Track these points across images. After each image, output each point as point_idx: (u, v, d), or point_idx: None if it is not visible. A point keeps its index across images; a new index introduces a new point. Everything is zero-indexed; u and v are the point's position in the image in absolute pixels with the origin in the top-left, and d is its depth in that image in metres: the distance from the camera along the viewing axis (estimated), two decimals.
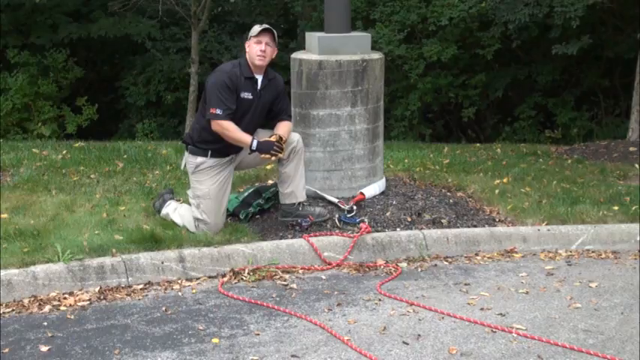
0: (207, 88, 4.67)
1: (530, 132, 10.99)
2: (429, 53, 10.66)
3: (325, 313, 3.96)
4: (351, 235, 4.76)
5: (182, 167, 4.96)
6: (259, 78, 4.72)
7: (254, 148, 4.61)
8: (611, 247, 5.05)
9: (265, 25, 4.74)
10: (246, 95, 4.67)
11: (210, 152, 4.73)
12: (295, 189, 4.86)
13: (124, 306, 3.99)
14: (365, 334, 3.72)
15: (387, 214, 5.16)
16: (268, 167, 6.06)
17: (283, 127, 4.75)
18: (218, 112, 4.57)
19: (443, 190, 5.79)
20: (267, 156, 4.66)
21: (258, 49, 4.66)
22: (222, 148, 4.74)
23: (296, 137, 4.83)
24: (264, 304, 4.05)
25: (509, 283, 4.42)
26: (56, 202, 5.20)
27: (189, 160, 4.79)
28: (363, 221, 4.90)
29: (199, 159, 4.73)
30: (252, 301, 4.09)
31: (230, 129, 4.59)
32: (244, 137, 4.62)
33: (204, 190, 4.74)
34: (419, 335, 3.70)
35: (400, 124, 11.22)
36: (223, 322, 3.84)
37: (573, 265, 4.78)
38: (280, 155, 4.69)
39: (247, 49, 4.72)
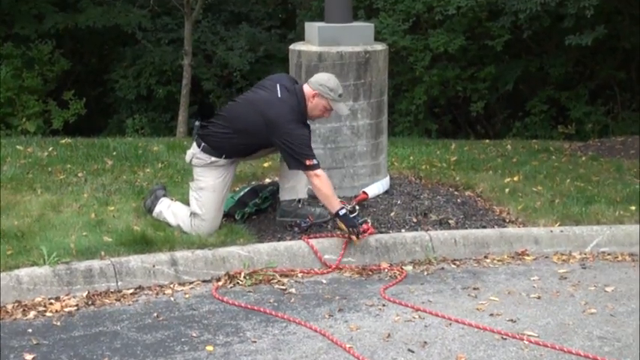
0: (289, 140, 4.56)
1: (542, 127, 10.97)
2: (436, 44, 10.65)
3: (326, 319, 3.96)
4: (345, 236, 4.73)
5: (188, 160, 4.95)
6: None
7: (340, 215, 4.63)
8: (628, 249, 5.05)
9: (347, 110, 4.89)
10: None
11: (225, 155, 4.78)
12: (297, 184, 4.87)
13: (114, 312, 3.99)
14: (368, 341, 3.72)
15: (392, 214, 5.16)
16: (265, 165, 6.06)
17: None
18: (315, 162, 4.60)
19: (450, 189, 5.79)
20: (344, 230, 4.67)
21: (322, 115, 4.77)
22: (237, 154, 4.83)
23: None
24: (262, 309, 4.05)
25: (521, 288, 4.42)
26: (41, 201, 5.20)
27: (200, 157, 4.80)
28: (365, 222, 4.90)
29: (213, 158, 4.77)
30: (249, 306, 4.09)
31: (327, 184, 4.63)
32: (335, 200, 4.65)
33: (209, 183, 4.77)
34: (425, 342, 3.70)
35: (405, 119, 11.21)
36: (218, 328, 3.84)
37: (588, 268, 4.78)
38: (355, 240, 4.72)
39: (313, 99, 4.69)
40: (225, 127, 4.74)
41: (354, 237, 4.67)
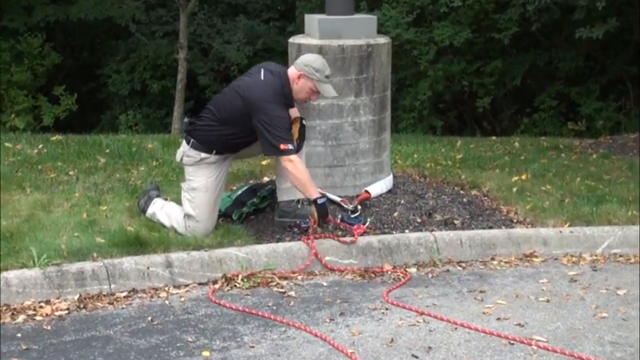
0: (266, 121, 4.56)
1: (552, 124, 10.97)
2: (441, 37, 10.64)
3: (327, 324, 3.96)
4: (310, 237, 4.70)
5: (178, 159, 4.95)
6: None
7: (319, 203, 4.64)
8: None
9: (334, 92, 4.80)
10: None
11: (215, 151, 4.77)
12: None
13: (106, 316, 3.99)
14: (370, 346, 3.72)
15: (395, 214, 5.15)
16: (264, 163, 6.05)
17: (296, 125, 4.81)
18: (290, 147, 4.57)
19: (456, 188, 5.79)
20: (320, 224, 4.70)
21: (308, 97, 4.74)
22: (227, 149, 4.80)
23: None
24: (260, 313, 4.05)
25: (529, 291, 4.42)
26: (31, 201, 5.19)
27: (189, 154, 4.80)
28: (365, 221, 4.89)
29: (203, 154, 4.77)
30: (247, 310, 4.09)
31: (302, 171, 4.61)
32: (312, 188, 4.64)
33: (201, 182, 4.76)
34: (430, 348, 3.70)
35: (409, 115, 11.21)
36: (214, 333, 3.83)
37: (599, 270, 4.77)
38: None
39: (298, 81, 4.66)
40: (211, 120, 4.76)
41: (315, 225, 4.67)
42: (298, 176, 4.61)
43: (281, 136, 4.56)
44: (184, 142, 4.85)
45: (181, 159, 4.88)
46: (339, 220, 4.93)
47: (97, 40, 14.02)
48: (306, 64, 4.68)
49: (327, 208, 4.73)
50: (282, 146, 4.56)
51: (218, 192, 4.83)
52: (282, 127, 4.58)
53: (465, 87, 11.27)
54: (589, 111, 10.70)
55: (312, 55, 4.82)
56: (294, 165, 4.59)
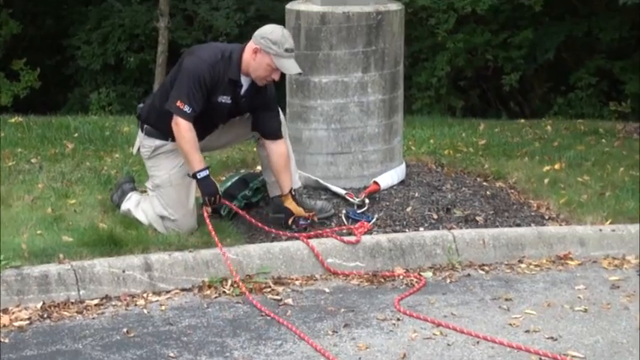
0: (182, 71, 4.59)
1: (590, 104, 10.96)
2: (461, 3, 10.62)
3: (329, 337, 3.97)
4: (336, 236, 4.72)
5: (134, 152, 4.97)
6: (245, 82, 4.69)
7: (198, 178, 4.59)
8: None
9: (297, 68, 4.68)
10: (224, 99, 4.66)
11: (170, 137, 4.71)
12: None
13: (74, 327, 3.99)
14: None
15: (408, 209, 5.16)
16: (255, 150, 6.05)
17: (285, 169, 4.80)
18: (186, 109, 4.53)
19: (478, 179, 5.81)
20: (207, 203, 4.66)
21: (268, 75, 4.63)
22: None
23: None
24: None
25: (563, 299, 4.42)
26: None
27: (145, 143, 4.80)
28: (368, 219, 4.91)
29: (158, 142, 4.75)
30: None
31: (188, 137, 4.55)
32: (195, 159, 4.58)
33: (163, 177, 4.76)
34: None
35: (424, 94, 11.21)
36: (200, 347, 3.84)
37: None
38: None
39: (254, 55, 4.59)
40: (161, 99, 4.74)
41: (206, 207, 4.64)
42: (181, 142, 4.57)
43: (185, 92, 4.53)
44: (139, 131, 4.85)
45: (138, 150, 4.88)
46: (344, 217, 4.93)
47: (64, 5, 14.00)
48: (262, 36, 4.60)
49: (213, 183, 4.67)
50: (178, 103, 4.53)
51: (187, 183, 4.78)
52: (192, 85, 4.53)
53: (490, 61, 11.26)
54: (635, 89, 10.67)
55: (271, 25, 4.72)
56: (179, 130, 4.54)
